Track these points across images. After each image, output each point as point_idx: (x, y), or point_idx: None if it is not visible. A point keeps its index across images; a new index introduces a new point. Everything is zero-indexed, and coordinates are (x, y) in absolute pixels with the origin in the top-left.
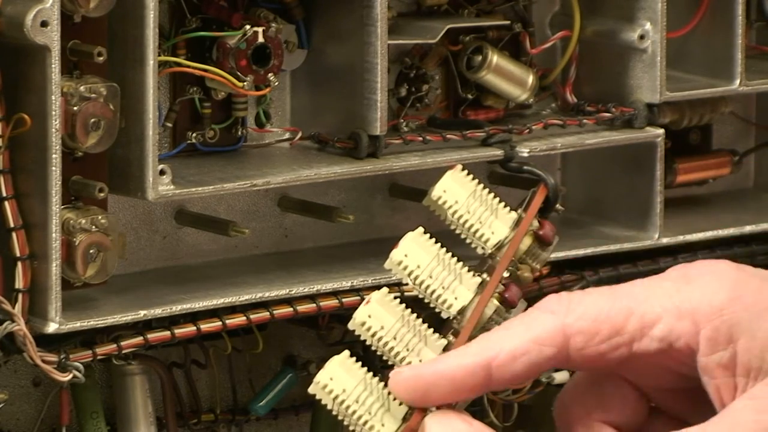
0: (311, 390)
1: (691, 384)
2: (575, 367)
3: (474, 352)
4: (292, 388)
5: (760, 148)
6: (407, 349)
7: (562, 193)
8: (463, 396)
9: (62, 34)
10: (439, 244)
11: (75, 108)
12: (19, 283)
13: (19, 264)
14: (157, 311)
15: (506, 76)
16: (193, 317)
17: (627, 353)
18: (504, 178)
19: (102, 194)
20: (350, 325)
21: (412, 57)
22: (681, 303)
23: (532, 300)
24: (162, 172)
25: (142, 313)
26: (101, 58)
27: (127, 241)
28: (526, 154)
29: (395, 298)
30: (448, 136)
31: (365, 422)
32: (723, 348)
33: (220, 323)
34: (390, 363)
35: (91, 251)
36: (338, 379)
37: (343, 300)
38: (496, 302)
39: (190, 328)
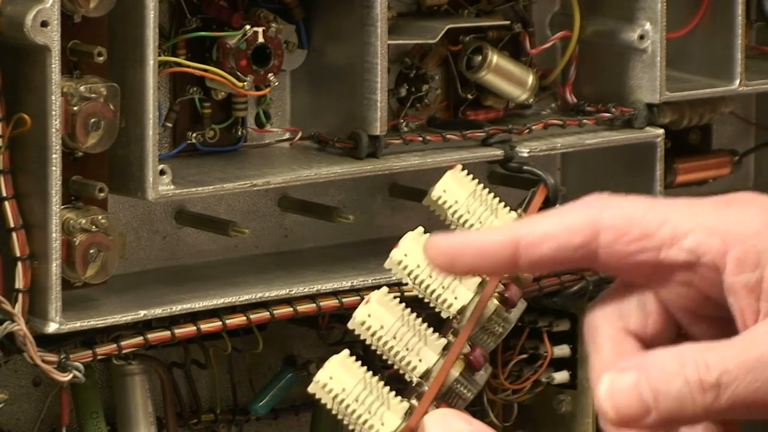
0: (311, 389)
1: (720, 313)
2: (602, 267)
3: (504, 229)
4: (292, 388)
5: (760, 148)
6: (407, 349)
7: (562, 193)
8: (488, 268)
9: (62, 34)
10: None
11: (75, 108)
12: (19, 283)
13: (19, 264)
14: (157, 311)
15: (506, 76)
16: (193, 317)
17: (654, 259)
18: (504, 178)
19: (102, 194)
20: (350, 325)
21: (412, 57)
22: (715, 222)
23: (531, 300)
24: (162, 172)
25: (142, 313)
26: (101, 58)
27: (127, 241)
28: (526, 154)
29: (395, 297)
30: (448, 136)
31: (365, 421)
32: (750, 270)
33: (220, 323)
34: (390, 363)
35: (91, 251)
36: (338, 378)
37: (343, 300)
38: (496, 302)
39: (190, 328)
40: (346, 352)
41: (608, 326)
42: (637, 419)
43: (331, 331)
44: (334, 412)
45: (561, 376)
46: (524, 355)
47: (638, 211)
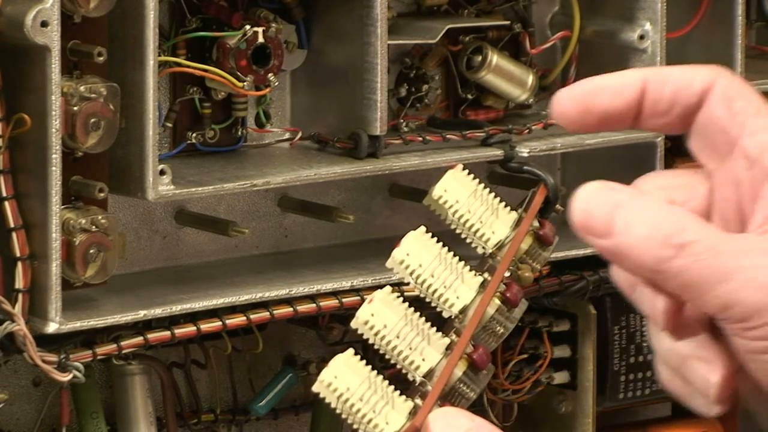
0: (315, 388)
1: None
2: (701, 119)
3: (631, 70)
4: (292, 388)
5: None
6: (410, 348)
7: (562, 193)
8: (619, 110)
9: (62, 34)
10: (441, 243)
11: (75, 108)
12: (19, 283)
13: (19, 264)
14: (157, 311)
15: (506, 76)
16: (193, 317)
17: (732, 139)
18: (504, 178)
19: (102, 194)
20: (353, 324)
21: (412, 57)
22: None
23: (531, 300)
24: (162, 172)
25: (142, 313)
26: (101, 58)
27: (127, 241)
28: (526, 154)
29: (398, 296)
30: (448, 136)
31: (369, 420)
32: None
33: (220, 323)
34: (393, 362)
35: (91, 251)
36: (342, 377)
37: (343, 300)
38: (497, 301)
39: (190, 328)
40: (350, 351)
41: (649, 184)
42: (595, 233)
43: (331, 331)
44: (338, 411)
45: (561, 376)
46: (524, 355)
47: (745, 93)
